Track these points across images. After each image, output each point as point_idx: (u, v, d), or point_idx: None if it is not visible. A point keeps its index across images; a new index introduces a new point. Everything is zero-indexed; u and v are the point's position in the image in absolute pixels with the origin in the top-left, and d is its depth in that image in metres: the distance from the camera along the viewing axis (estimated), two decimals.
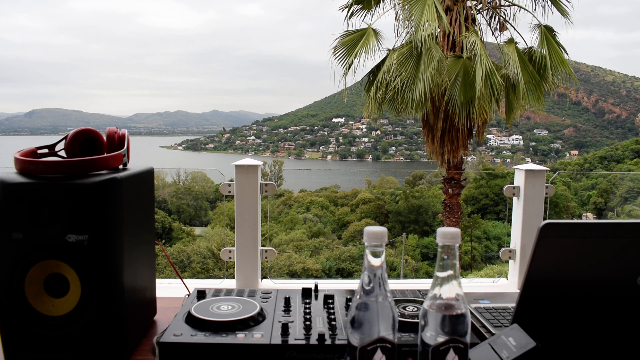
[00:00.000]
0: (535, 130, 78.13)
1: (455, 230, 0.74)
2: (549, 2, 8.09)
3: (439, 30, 7.88)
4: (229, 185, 2.49)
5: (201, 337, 0.95)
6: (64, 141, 1.09)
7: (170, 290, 1.59)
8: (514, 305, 1.00)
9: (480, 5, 8.57)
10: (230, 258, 2.53)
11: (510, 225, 2.74)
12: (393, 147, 77.50)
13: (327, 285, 2.08)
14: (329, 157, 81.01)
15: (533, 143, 75.61)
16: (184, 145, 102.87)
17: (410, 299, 1.14)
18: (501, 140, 74.27)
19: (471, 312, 1.19)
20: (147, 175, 1.16)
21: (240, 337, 0.95)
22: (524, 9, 8.29)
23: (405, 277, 16.86)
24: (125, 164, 1.10)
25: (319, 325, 1.01)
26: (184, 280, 1.49)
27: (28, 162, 0.98)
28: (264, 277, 2.66)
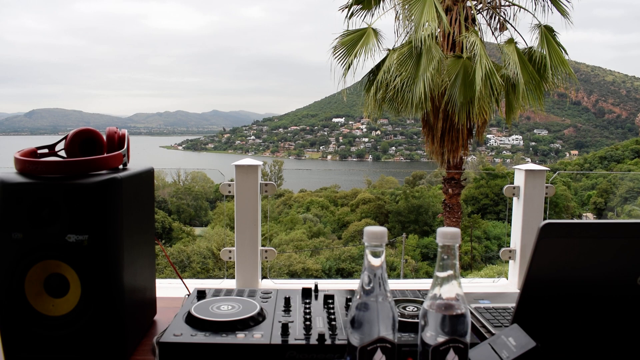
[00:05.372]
0: (535, 130, 78.12)
1: (455, 230, 0.74)
2: (549, 2, 8.10)
3: (439, 30, 7.88)
4: (229, 185, 2.49)
5: (201, 337, 0.95)
6: (64, 141, 1.09)
7: (170, 290, 1.59)
8: (514, 305, 1.00)
9: (480, 5, 8.57)
10: (230, 258, 2.53)
11: (510, 225, 2.74)
12: (393, 147, 77.50)
13: (327, 285, 2.08)
14: (329, 157, 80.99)
15: (533, 143, 75.60)
16: (184, 145, 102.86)
17: (410, 299, 1.14)
18: (501, 140, 74.27)
19: (471, 312, 1.19)
20: (147, 175, 1.16)
21: (240, 337, 0.95)
22: (524, 9, 8.30)
23: (405, 277, 16.86)
24: (125, 164, 1.10)
25: (319, 325, 1.01)
26: (184, 280, 1.49)
27: (28, 162, 0.98)
28: (264, 277, 2.66)
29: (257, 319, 1.02)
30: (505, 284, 2.79)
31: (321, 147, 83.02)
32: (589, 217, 25.92)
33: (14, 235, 0.94)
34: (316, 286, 1.22)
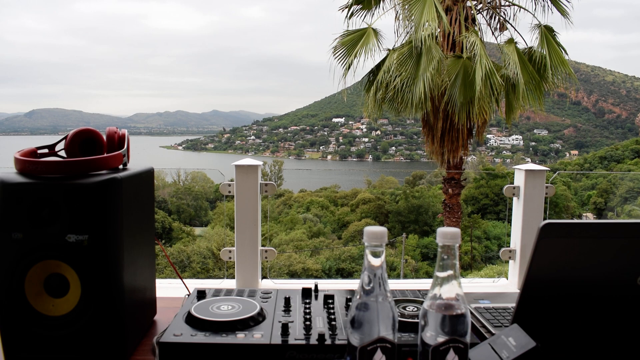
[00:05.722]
0: (535, 130, 78.12)
1: (455, 230, 0.74)
2: (549, 2, 8.10)
3: (439, 30, 7.88)
4: (229, 185, 2.49)
5: (201, 337, 0.95)
6: (64, 141, 1.09)
7: (170, 290, 1.59)
8: (514, 305, 1.00)
9: (480, 5, 8.57)
10: (230, 258, 2.53)
11: (510, 225, 2.74)
12: (393, 147, 77.50)
13: (327, 285, 2.08)
14: (329, 157, 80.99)
15: (533, 143, 75.60)
16: (184, 145, 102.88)
17: (410, 299, 1.14)
18: (501, 140, 74.26)
19: (471, 312, 1.19)
20: (147, 175, 1.16)
21: (240, 337, 0.95)
22: (524, 9, 8.30)
23: (405, 277, 16.86)
24: (125, 164, 1.10)
25: (319, 325, 1.01)
26: (184, 280, 1.49)
27: (28, 162, 0.98)
28: (264, 277, 2.66)
29: (257, 319, 1.02)
30: (505, 284, 2.79)
31: (321, 147, 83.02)
32: (589, 217, 25.92)
33: (14, 235, 0.94)
34: (316, 286, 1.22)
